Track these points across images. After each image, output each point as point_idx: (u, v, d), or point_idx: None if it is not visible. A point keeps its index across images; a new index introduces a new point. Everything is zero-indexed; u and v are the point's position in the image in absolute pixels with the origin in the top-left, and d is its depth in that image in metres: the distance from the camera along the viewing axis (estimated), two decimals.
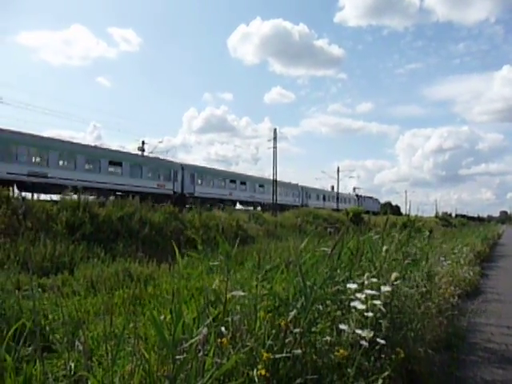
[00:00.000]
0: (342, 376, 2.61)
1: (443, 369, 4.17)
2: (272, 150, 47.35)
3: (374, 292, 2.92)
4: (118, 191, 29.80)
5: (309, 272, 3.16)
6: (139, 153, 41.62)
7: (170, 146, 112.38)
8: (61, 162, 28.54)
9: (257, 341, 2.50)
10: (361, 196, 77.92)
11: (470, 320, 6.07)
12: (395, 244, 5.09)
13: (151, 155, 40.92)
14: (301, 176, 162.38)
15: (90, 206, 17.96)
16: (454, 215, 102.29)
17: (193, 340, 2.09)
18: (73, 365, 2.34)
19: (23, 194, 20.29)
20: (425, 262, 5.71)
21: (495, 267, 13.97)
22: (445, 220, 67.54)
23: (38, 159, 27.12)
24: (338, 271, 3.44)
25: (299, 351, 2.51)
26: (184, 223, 21.05)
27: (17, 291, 6.02)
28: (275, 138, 47.48)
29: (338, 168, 66.46)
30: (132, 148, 42.36)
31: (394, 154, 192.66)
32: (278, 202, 47.19)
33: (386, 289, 3.06)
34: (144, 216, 19.41)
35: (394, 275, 3.52)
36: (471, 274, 9.04)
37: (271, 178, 47.03)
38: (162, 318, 2.43)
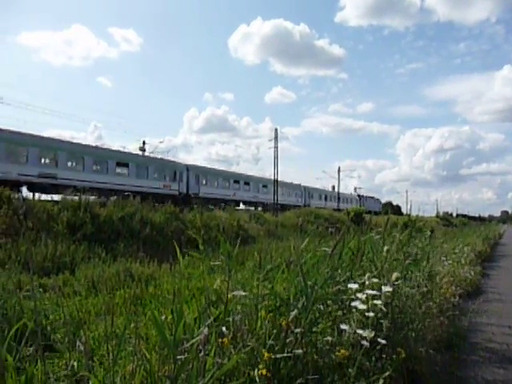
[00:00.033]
0: (343, 376, 2.61)
1: (444, 369, 4.17)
2: (273, 149, 47.41)
3: (374, 292, 2.92)
4: (125, 192, 30.02)
5: (310, 272, 3.16)
6: (140, 153, 41.64)
7: (170, 146, 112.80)
8: (69, 164, 28.92)
9: (258, 341, 2.50)
10: (362, 196, 77.88)
11: (471, 320, 6.06)
12: (396, 244, 5.09)
13: (152, 155, 40.97)
14: (302, 176, 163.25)
15: (90, 206, 17.98)
16: (454, 215, 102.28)
17: (194, 340, 2.09)
18: (75, 364, 2.34)
19: (24, 194, 20.40)
20: (426, 261, 5.71)
21: (496, 267, 13.95)
22: (446, 220, 67.49)
23: (47, 161, 27.50)
24: (339, 271, 3.44)
25: (300, 351, 2.51)
26: (185, 223, 21.06)
27: (18, 291, 6.02)
28: (276, 138, 47.51)
29: (339, 168, 66.52)
30: (133, 148, 42.39)
31: (394, 153, 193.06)
32: (281, 202, 47.55)
33: (386, 289, 3.06)
34: (145, 216, 19.42)
35: (394, 275, 3.52)
36: (472, 273, 9.03)
37: (276, 178, 47.17)
38: (163, 318, 2.43)
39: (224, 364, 2.13)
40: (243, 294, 2.70)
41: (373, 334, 2.62)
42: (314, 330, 2.78)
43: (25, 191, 24.69)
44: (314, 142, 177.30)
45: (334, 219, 38.39)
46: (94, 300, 7.76)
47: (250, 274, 3.74)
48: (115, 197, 23.00)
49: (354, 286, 2.96)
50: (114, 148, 35.30)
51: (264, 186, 48.63)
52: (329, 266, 3.29)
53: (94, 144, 35.13)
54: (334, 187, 69.43)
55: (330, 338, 2.77)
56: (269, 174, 53.69)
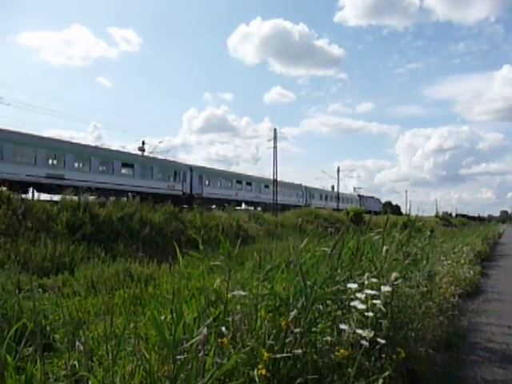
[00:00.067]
0: (342, 376, 2.61)
1: (444, 368, 4.17)
2: (272, 149, 47.31)
3: (374, 292, 2.92)
4: (130, 192, 30.29)
5: (309, 272, 3.16)
6: (140, 153, 41.67)
7: (170, 146, 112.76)
8: (76, 165, 29.27)
9: (257, 341, 2.50)
10: (363, 196, 78.03)
11: (471, 319, 6.06)
12: (396, 244, 5.09)
13: (152, 155, 41.02)
14: (301, 176, 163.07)
15: (90, 206, 17.97)
16: (454, 215, 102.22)
17: (193, 340, 2.09)
18: (75, 364, 2.34)
19: (27, 195, 20.42)
20: (425, 261, 5.71)
21: (496, 266, 13.96)
22: (445, 220, 67.47)
23: (55, 162, 27.87)
24: (339, 271, 3.44)
25: (300, 351, 2.51)
26: (184, 223, 21.05)
27: (17, 291, 6.02)
28: (275, 138, 47.43)
29: (339, 168, 66.50)
30: (132, 148, 42.50)
31: (394, 153, 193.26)
32: (282, 202, 47.94)
33: (386, 289, 3.06)
34: (144, 216, 19.41)
35: (393, 275, 3.52)
36: (472, 273, 9.04)
37: (281, 179, 47.60)
38: (163, 318, 2.43)
39: (223, 364, 2.12)
40: (243, 293, 2.70)
41: (372, 334, 2.62)
42: (314, 329, 2.78)
43: (25, 192, 24.81)
44: (313, 141, 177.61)
45: (333, 219, 38.40)
46: (94, 300, 7.75)
47: (250, 274, 3.74)
48: (123, 197, 23.43)
49: (354, 286, 2.96)
50: (114, 148, 35.53)
51: (266, 187, 48.80)
52: (328, 266, 3.29)
53: (93, 144, 35.33)
54: (333, 187, 69.56)
55: (329, 338, 2.77)
56: (268, 173, 53.90)
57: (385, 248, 4.12)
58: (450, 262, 7.89)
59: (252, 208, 43.90)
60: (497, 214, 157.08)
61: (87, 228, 16.26)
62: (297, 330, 2.60)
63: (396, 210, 73.12)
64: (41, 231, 14.73)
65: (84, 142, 34.30)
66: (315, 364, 2.63)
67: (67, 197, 18.55)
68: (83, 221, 16.53)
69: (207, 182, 40.97)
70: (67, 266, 12.60)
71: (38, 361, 2.13)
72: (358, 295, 2.85)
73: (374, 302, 2.86)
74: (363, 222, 28.34)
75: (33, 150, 26.12)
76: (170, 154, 44.07)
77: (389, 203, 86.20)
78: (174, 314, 2.15)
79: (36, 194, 24.43)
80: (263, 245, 16.67)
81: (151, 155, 41.06)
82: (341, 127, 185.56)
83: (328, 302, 3.07)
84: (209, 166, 46.78)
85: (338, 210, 54.79)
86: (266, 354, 2.32)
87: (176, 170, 37.47)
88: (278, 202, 46.84)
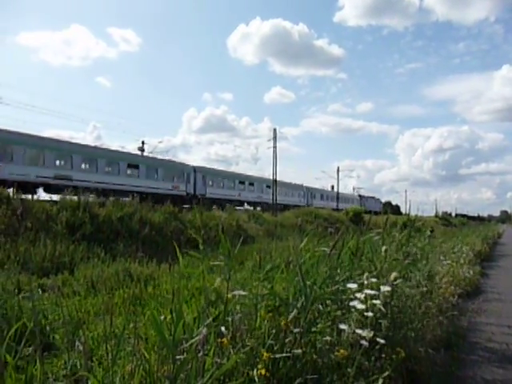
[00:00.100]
0: (342, 376, 2.61)
1: (444, 368, 4.17)
2: (272, 149, 47.31)
3: (373, 292, 2.92)
4: (136, 193, 30.58)
5: (309, 272, 3.16)
6: (139, 153, 41.71)
7: (169, 146, 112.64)
8: (83, 166, 29.65)
9: (257, 340, 2.50)
10: (363, 196, 78.13)
11: (471, 319, 6.07)
12: (396, 244, 5.09)
13: (151, 155, 41.05)
14: (301, 176, 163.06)
15: (89, 206, 17.96)
16: (454, 215, 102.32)
17: (193, 340, 2.09)
18: (75, 364, 2.34)
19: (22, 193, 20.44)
20: (425, 261, 5.71)
21: (495, 266, 13.97)
22: (445, 219, 67.50)
23: (62, 163, 28.32)
24: (338, 271, 3.44)
25: (299, 351, 2.51)
26: (184, 223, 21.04)
27: (17, 291, 6.02)
28: (275, 138, 47.40)
29: (338, 168, 66.50)
30: (132, 148, 42.47)
31: (394, 153, 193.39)
32: (284, 202, 48.34)
33: (385, 288, 3.06)
34: (144, 216, 19.39)
35: (393, 275, 3.52)
36: (471, 273, 9.04)
37: (277, 178, 47.52)
38: (162, 317, 2.43)
39: (223, 364, 2.12)
40: (243, 293, 2.70)
41: (372, 334, 2.62)
42: (313, 329, 2.78)
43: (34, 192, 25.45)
44: (313, 141, 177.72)
45: (333, 219, 38.41)
46: (93, 300, 7.75)
47: (250, 274, 3.74)
48: (126, 197, 23.49)
49: (353, 286, 2.96)
50: (113, 148, 35.70)
51: (268, 187, 49.02)
52: (328, 266, 3.29)
53: (93, 144, 35.44)
54: (333, 187, 69.63)
55: (329, 338, 2.77)
56: (268, 173, 53.97)
57: (384, 248, 4.12)
58: (449, 261, 7.89)
59: (253, 208, 44.03)
60: (496, 213, 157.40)
61: (87, 228, 16.25)
62: (296, 329, 2.60)
63: (396, 209, 73.19)
64: (40, 231, 14.72)
65: (83, 142, 34.66)
66: (315, 364, 2.63)
67: (67, 197, 18.55)
68: (83, 221, 16.52)
69: (210, 183, 41.40)
70: (67, 265, 12.59)
71: (38, 361, 2.13)
72: (358, 295, 2.85)
73: (374, 302, 2.86)
74: (363, 221, 28.35)
75: (41, 151, 26.65)
76: (169, 154, 44.18)
77: (388, 203, 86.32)
78: (174, 314, 2.15)
79: (44, 194, 25.24)
80: (263, 245, 16.69)
81: (151, 155, 41.12)
82: (340, 127, 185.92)
83: (328, 301, 3.07)
84: (208, 166, 46.84)
85: (337, 209, 54.87)
86: (265, 354, 2.32)
87: (180, 171, 37.94)
88: (280, 202, 47.26)
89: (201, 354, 1.97)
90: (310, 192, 60.59)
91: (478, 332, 5.69)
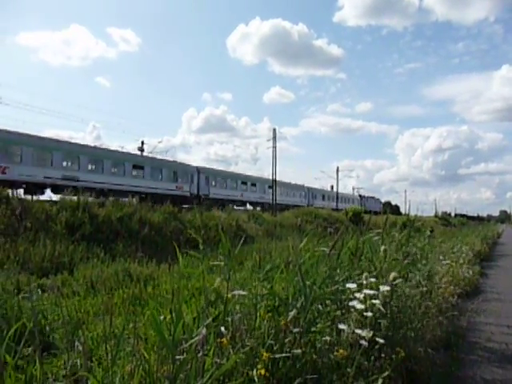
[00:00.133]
0: (341, 376, 2.61)
1: (443, 368, 4.17)
2: (271, 149, 47.30)
3: (372, 292, 2.92)
4: (141, 193, 31.46)
5: (309, 272, 3.16)
6: (139, 153, 41.73)
7: (169, 146, 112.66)
8: (90, 167, 30.09)
9: (256, 340, 2.50)
10: (364, 196, 78.25)
11: (470, 319, 6.07)
12: (395, 244, 5.09)
13: (150, 155, 41.08)
14: (300, 176, 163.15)
15: (89, 206, 17.95)
16: (453, 215, 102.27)
17: (193, 340, 2.09)
18: (75, 364, 2.33)
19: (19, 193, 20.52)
20: (425, 261, 5.71)
21: (495, 266, 13.97)
22: (444, 219, 67.49)
23: (70, 164, 28.87)
24: (338, 271, 3.44)
25: (299, 351, 2.51)
26: (184, 223, 21.04)
27: (17, 292, 6.01)
28: (274, 138, 47.38)
29: (338, 168, 66.57)
30: (131, 148, 42.46)
31: (393, 153, 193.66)
32: (286, 202, 48.88)
33: (384, 288, 3.06)
34: (143, 216, 19.39)
35: (392, 275, 3.52)
36: (471, 273, 9.04)
37: (278, 179, 47.96)
38: (162, 318, 2.43)
39: (223, 364, 2.12)
40: (243, 293, 2.69)
41: (371, 334, 2.62)
42: (313, 329, 2.78)
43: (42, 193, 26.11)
44: (312, 141, 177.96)
45: (332, 219, 38.41)
46: (93, 300, 7.75)
47: (249, 274, 3.74)
48: (131, 198, 23.84)
49: (352, 286, 2.96)
50: (113, 148, 35.85)
51: (270, 187, 49.18)
52: (327, 266, 3.30)
53: (92, 144, 35.57)
54: (332, 187, 69.69)
55: (328, 338, 2.77)
56: (267, 173, 54.04)
57: (382, 248, 4.12)
58: (449, 261, 7.89)
59: (256, 208, 44.24)
60: (496, 213, 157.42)
61: (86, 228, 16.24)
62: (296, 329, 2.60)
63: (395, 209, 73.31)
64: (40, 231, 14.71)
65: (83, 142, 34.83)
66: (314, 364, 2.63)
67: (66, 197, 18.55)
68: (82, 221, 16.51)
69: (213, 183, 41.91)
70: (66, 266, 12.59)
71: (37, 361, 2.13)
72: (357, 295, 2.85)
73: (373, 301, 2.86)
74: (362, 221, 28.35)
75: (50, 153, 27.15)
76: (168, 154, 44.15)
77: (388, 203, 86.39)
78: (174, 314, 2.15)
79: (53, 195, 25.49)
80: (262, 245, 16.69)
81: (150, 155, 41.14)
82: (340, 127, 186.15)
83: (327, 301, 3.07)
84: (208, 166, 46.94)
85: (337, 209, 54.96)
86: (265, 354, 2.32)
87: (184, 172, 38.43)
88: (282, 202, 47.87)
89: (200, 354, 1.98)
90: (311, 192, 61.05)
91: (477, 332, 5.69)
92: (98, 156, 30.88)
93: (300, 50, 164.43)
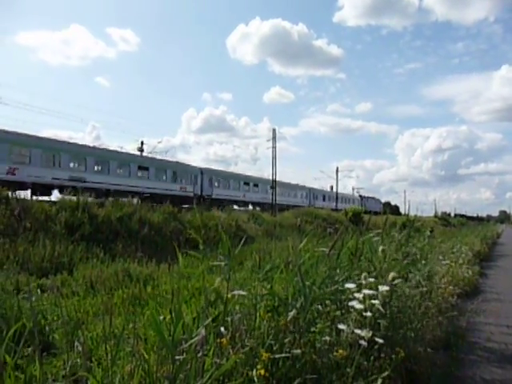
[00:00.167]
0: (341, 376, 2.61)
1: (443, 368, 4.17)
2: (271, 149, 47.28)
3: (371, 292, 2.92)
4: (146, 194, 32.03)
5: (308, 272, 3.16)
6: (138, 153, 41.74)
7: (169, 146, 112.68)
8: (96, 168, 30.56)
9: (256, 341, 2.50)
10: (364, 196, 78.38)
11: (470, 319, 6.07)
12: (395, 244, 5.10)
13: (150, 155, 41.13)
14: (300, 176, 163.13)
15: (88, 206, 17.93)
16: (453, 215, 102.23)
17: (192, 340, 2.09)
18: (74, 364, 2.33)
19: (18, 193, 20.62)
20: (424, 261, 5.71)
21: (494, 266, 13.98)
22: (444, 220, 67.51)
23: (76, 165, 29.42)
24: (338, 271, 3.44)
25: (298, 351, 2.51)
26: (183, 223, 21.03)
27: (16, 292, 6.01)
28: (274, 138, 47.37)
29: (337, 168, 66.61)
30: (131, 148, 42.42)
31: (393, 153, 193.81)
32: (287, 203, 49.30)
33: (383, 288, 3.06)
34: (143, 216, 19.37)
35: (391, 275, 3.52)
36: (470, 273, 9.05)
37: (279, 179, 48.41)
38: (162, 318, 2.42)
39: (222, 364, 2.12)
40: (242, 293, 2.69)
41: (370, 334, 2.62)
42: (312, 329, 2.78)
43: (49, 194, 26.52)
44: (312, 142, 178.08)
45: (332, 219, 38.39)
46: (93, 300, 7.74)
47: (249, 274, 3.74)
48: (136, 198, 24.64)
49: (351, 286, 2.96)
50: (112, 148, 36.01)
51: (272, 188, 49.30)
52: (327, 266, 3.30)
53: (91, 144, 35.71)
54: (332, 187, 69.75)
55: (328, 338, 2.77)
56: (267, 174, 54.15)
57: (380, 248, 4.12)
58: (448, 261, 7.90)
59: (255, 208, 44.40)
60: (495, 213, 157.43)
61: (86, 228, 16.23)
62: (296, 330, 2.60)
63: (395, 210, 73.33)
64: (39, 231, 14.70)
65: (82, 142, 35.03)
66: (314, 364, 2.63)
67: (66, 197, 18.55)
68: (82, 221, 16.50)
69: (216, 184, 42.41)
70: (66, 266, 12.57)
71: (37, 361, 2.13)
72: (357, 295, 2.85)
73: (372, 302, 2.86)
74: (362, 222, 28.36)
75: (57, 154, 27.62)
76: (168, 155, 44.29)
77: (388, 203, 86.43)
78: (173, 314, 2.15)
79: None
80: (262, 245, 16.68)
81: (150, 155, 41.19)
82: (339, 127, 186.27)
83: (327, 302, 3.08)
84: (207, 166, 47.11)
85: (336, 210, 55.04)
86: (264, 354, 2.32)
87: (187, 173, 38.96)
88: (284, 202, 48.35)
89: (200, 354, 1.98)
90: (313, 193, 61.60)
91: (476, 332, 5.69)
92: (104, 157, 31.35)
93: (300, 50, 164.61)
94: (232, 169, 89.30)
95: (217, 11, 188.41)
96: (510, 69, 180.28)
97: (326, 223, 32.97)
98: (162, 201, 24.70)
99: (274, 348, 2.50)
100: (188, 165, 40.73)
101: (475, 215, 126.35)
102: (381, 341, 2.75)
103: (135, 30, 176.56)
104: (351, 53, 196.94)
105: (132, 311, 6.14)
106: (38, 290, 7.62)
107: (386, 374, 2.70)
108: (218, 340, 2.35)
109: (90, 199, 18.82)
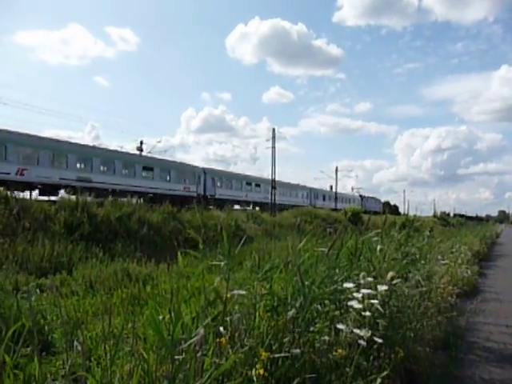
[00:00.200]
0: (340, 375, 2.61)
1: (442, 368, 4.17)
2: (270, 149, 47.30)
3: (370, 291, 2.92)
4: (150, 194, 32.57)
5: (308, 272, 3.16)
6: (138, 153, 41.74)
7: (168, 145, 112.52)
8: (102, 168, 31.07)
9: (255, 340, 2.50)
10: (364, 196, 78.56)
11: (469, 319, 6.07)
12: (394, 244, 5.10)
13: (149, 155, 41.14)
14: (299, 176, 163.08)
15: (88, 206, 17.92)
16: (452, 215, 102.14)
17: (192, 340, 2.09)
18: (74, 364, 2.33)
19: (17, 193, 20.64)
20: (424, 261, 5.72)
21: (493, 266, 13.99)
22: (443, 219, 67.54)
23: (83, 166, 29.94)
24: (337, 271, 3.44)
25: (298, 351, 2.51)
26: (182, 223, 21.02)
27: (15, 292, 6.01)
28: (274, 138, 47.37)
29: (337, 168, 66.75)
30: (130, 148, 42.42)
31: (392, 153, 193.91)
32: (289, 202, 49.88)
33: (382, 288, 3.07)
34: (142, 216, 19.37)
35: (389, 274, 3.52)
36: (469, 273, 9.05)
37: (280, 179, 48.90)
38: (161, 317, 2.42)
39: (222, 364, 2.12)
40: (242, 292, 2.69)
41: (369, 334, 2.63)
42: (312, 329, 2.78)
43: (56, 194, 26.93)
44: (311, 141, 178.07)
45: (331, 219, 38.42)
46: (92, 300, 7.74)
47: (248, 274, 3.74)
48: (141, 198, 24.88)
49: (350, 286, 2.96)
50: (112, 148, 36.28)
51: (274, 188, 49.47)
52: (326, 266, 3.30)
53: (91, 144, 35.86)
54: (331, 187, 69.83)
55: (327, 338, 2.77)
56: (267, 173, 54.33)
57: (379, 247, 4.13)
58: (447, 261, 7.90)
59: (255, 208, 44.55)
60: (495, 213, 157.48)
61: (85, 228, 16.22)
62: (295, 329, 2.60)
63: (394, 209, 73.46)
64: (38, 231, 14.69)
65: (82, 142, 35.28)
66: (313, 364, 2.63)
67: (65, 196, 18.55)
68: (81, 220, 16.49)
69: (219, 184, 42.91)
70: (65, 265, 12.56)
71: (36, 361, 2.13)
72: (356, 295, 2.85)
73: (372, 301, 2.86)
74: (361, 221, 28.37)
75: (65, 155, 28.26)
76: (167, 154, 44.55)
77: (387, 203, 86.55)
78: (173, 314, 2.15)
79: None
80: (261, 245, 16.68)
81: (149, 155, 41.20)
82: (339, 127, 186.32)
83: (326, 301, 3.08)
84: (207, 166, 47.18)
85: (336, 209, 55.15)
86: (264, 354, 2.32)
87: (191, 173, 39.41)
88: (286, 202, 48.99)
89: (199, 354, 1.97)
90: (314, 193, 62.08)
91: (476, 332, 5.70)
92: (110, 158, 31.90)
93: (299, 49, 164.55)
94: (232, 168, 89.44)
95: (216, 11, 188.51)
96: (509, 69, 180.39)
97: (325, 223, 32.95)
98: (166, 201, 24.99)
99: (274, 348, 2.50)
100: (191, 165, 41.19)
101: (474, 215, 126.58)
102: (380, 340, 2.75)
103: (134, 30, 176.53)
104: (351, 53, 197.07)
105: (131, 311, 6.13)
106: (37, 290, 7.61)
107: (385, 373, 2.71)
108: (218, 340, 2.35)
109: (89, 199, 18.83)
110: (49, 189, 25.79)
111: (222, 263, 2.74)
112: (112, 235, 17.04)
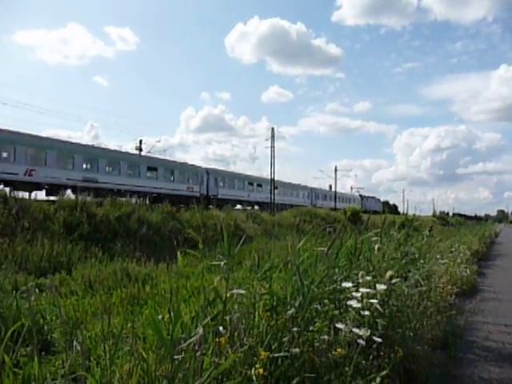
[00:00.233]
0: (339, 375, 2.62)
1: (441, 367, 4.18)
2: (270, 149, 47.34)
3: (369, 290, 2.92)
4: (154, 194, 33.05)
5: (307, 271, 3.16)
6: (137, 152, 41.77)
7: (167, 145, 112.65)
8: (107, 169, 31.64)
9: (255, 340, 2.50)
10: (364, 196, 78.69)
11: (468, 318, 6.08)
12: (394, 243, 5.10)
13: (148, 155, 41.19)
14: (299, 175, 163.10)
15: (87, 205, 17.92)
16: (451, 214, 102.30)
17: (191, 339, 2.09)
18: (73, 364, 2.33)
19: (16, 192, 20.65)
20: (423, 260, 5.72)
21: (492, 266, 14.01)
22: (442, 219, 67.61)
23: (89, 166, 30.45)
24: (336, 270, 3.44)
25: (297, 350, 2.52)
26: (182, 223, 21.02)
27: (15, 291, 6.00)
28: (273, 137, 47.39)
29: (336, 167, 66.83)
30: (130, 147, 42.43)
31: (391, 153, 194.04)
32: (290, 202, 50.41)
33: (381, 287, 3.07)
34: (142, 216, 19.37)
35: (388, 274, 3.53)
36: (468, 272, 9.07)
37: (279, 179, 49.19)
38: (160, 317, 2.43)
39: (221, 363, 2.13)
40: (241, 292, 2.70)
41: (368, 333, 2.63)
42: (311, 328, 2.79)
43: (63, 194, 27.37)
44: (310, 141, 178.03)
45: (330, 218, 38.44)
46: (91, 300, 7.74)
47: (248, 274, 3.74)
48: (145, 198, 25.21)
49: (349, 285, 2.96)
50: (111, 147, 36.54)
51: (275, 188, 49.58)
52: (325, 266, 3.30)
53: (90, 143, 36.04)
54: (330, 186, 69.93)
55: (326, 337, 2.78)
56: (266, 173, 54.31)
57: (376, 246, 4.13)
58: (447, 261, 7.91)
59: (254, 207, 44.66)
60: (494, 213, 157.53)
61: (84, 227, 16.22)
62: (294, 329, 2.61)
63: (393, 209, 73.57)
64: (38, 231, 14.69)
65: (83, 142, 35.64)
66: (312, 363, 2.64)
67: (64, 196, 18.54)
68: (80, 220, 16.49)
69: (222, 184, 43.29)
70: (64, 265, 12.56)
71: (36, 360, 2.13)
72: (355, 294, 2.86)
73: (371, 301, 2.86)
74: (361, 221, 28.39)
75: (71, 156, 28.80)
76: (167, 154, 44.57)
77: (386, 203, 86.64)
78: (172, 314, 2.15)
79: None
80: (261, 244, 16.68)
81: (148, 155, 41.23)
82: (338, 126, 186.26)
83: (325, 301, 3.08)
84: (206, 165, 47.26)
85: (335, 209, 55.25)
86: (263, 353, 2.32)
87: (194, 173, 39.84)
88: (287, 202, 49.51)
89: (199, 353, 1.98)
90: (314, 193, 62.57)
91: (474, 331, 5.71)
92: (116, 159, 32.42)
93: (298, 49, 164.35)
94: (231, 168, 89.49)
95: (215, 10, 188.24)
96: (508, 68, 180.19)
97: (324, 222, 32.96)
98: (169, 201, 25.43)
99: (273, 347, 2.50)
100: (195, 165, 41.59)
101: (473, 214, 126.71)
102: (379, 340, 2.75)
103: (134, 29, 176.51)
104: (350, 52, 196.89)
105: (131, 310, 6.14)
106: (37, 290, 7.61)
107: (384, 373, 2.71)
108: (217, 339, 2.35)
109: (89, 199, 18.85)
110: (56, 189, 26.04)
111: (222, 263, 2.74)
112: (111, 235, 17.04)
